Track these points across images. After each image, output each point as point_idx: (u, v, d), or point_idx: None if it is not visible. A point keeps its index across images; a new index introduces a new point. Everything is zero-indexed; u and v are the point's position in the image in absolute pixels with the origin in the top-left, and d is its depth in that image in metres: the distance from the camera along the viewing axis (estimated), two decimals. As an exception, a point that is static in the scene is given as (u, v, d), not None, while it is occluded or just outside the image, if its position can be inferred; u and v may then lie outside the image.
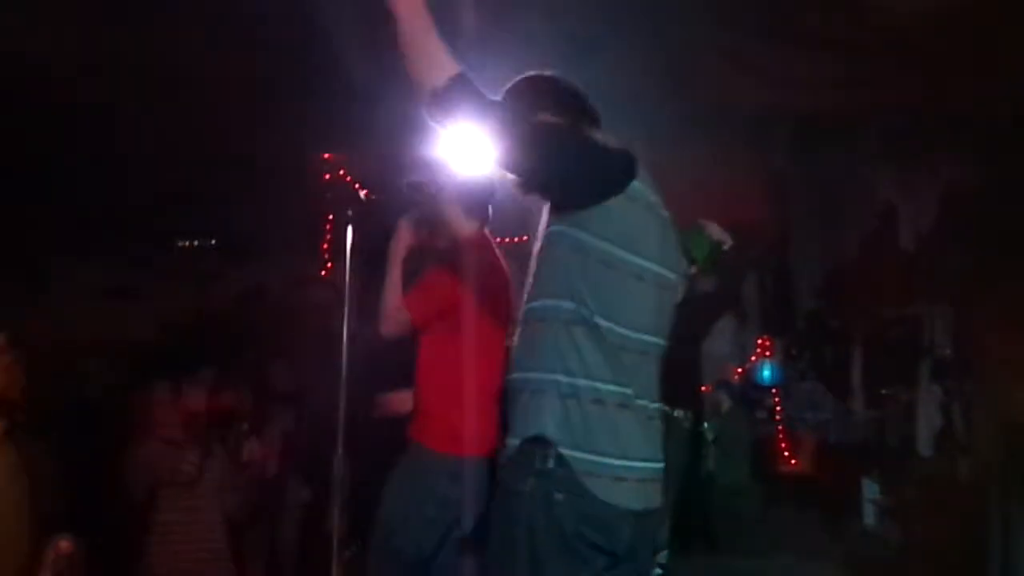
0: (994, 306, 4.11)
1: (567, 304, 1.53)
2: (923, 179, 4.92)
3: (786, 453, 5.58)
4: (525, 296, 1.61)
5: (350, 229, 2.74)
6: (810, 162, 5.01)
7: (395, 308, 2.46)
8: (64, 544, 1.88)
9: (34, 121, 3.95)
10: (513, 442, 1.54)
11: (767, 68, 4.16)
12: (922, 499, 4.29)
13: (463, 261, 2.48)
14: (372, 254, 2.81)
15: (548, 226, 1.60)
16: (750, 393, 5.50)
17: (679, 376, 4.02)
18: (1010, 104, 4.09)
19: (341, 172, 5.24)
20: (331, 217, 5.29)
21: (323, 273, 5.14)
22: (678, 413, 3.96)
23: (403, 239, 2.54)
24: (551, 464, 1.46)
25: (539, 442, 1.48)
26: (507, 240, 3.59)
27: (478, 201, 2.57)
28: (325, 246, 5.23)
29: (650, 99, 4.03)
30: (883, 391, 5.36)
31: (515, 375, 1.60)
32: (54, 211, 4.32)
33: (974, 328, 4.53)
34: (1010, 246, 4.16)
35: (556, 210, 1.58)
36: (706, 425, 4.42)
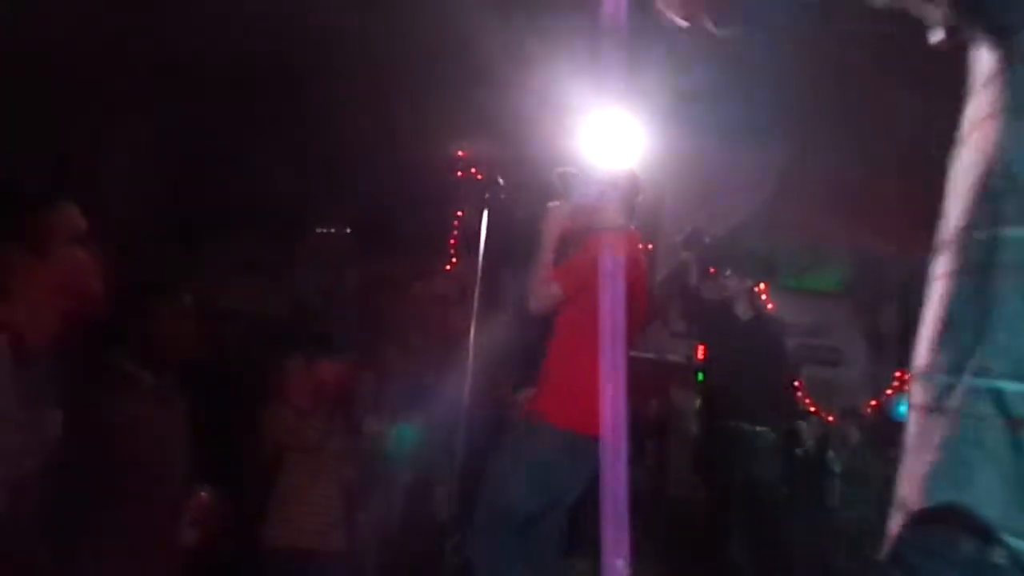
0: None
1: None
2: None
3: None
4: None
5: (485, 217, 2.84)
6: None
7: (544, 283, 2.58)
8: (204, 496, 2.01)
9: (201, 116, 4.29)
10: (913, 505, 0.80)
11: (932, 78, 3.87)
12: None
13: (608, 249, 2.58)
14: (498, 249, 2.88)
15: None
16: (883, 428, 5.13)
17: (755, 393, 3.87)
18: None
19: (473, 170, 5.36)
20: (460, 213, 5.42)
21: (447, 267, 5.26)
22: (760, 429, 3.79)
23: (555, 224, 2.67)
24: (996, 557, 0.72)
25: (963, 519, 0.75)
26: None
27: (628, 197, 2.71)
28: (453, 241, 5.36)
29: (815, 110, 3.88)
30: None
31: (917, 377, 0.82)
32: (215, 191, 4.67)
33: None
34: None
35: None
36: (831, 455, 4.16)
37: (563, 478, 2.50)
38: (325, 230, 5.72)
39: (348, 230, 5.66)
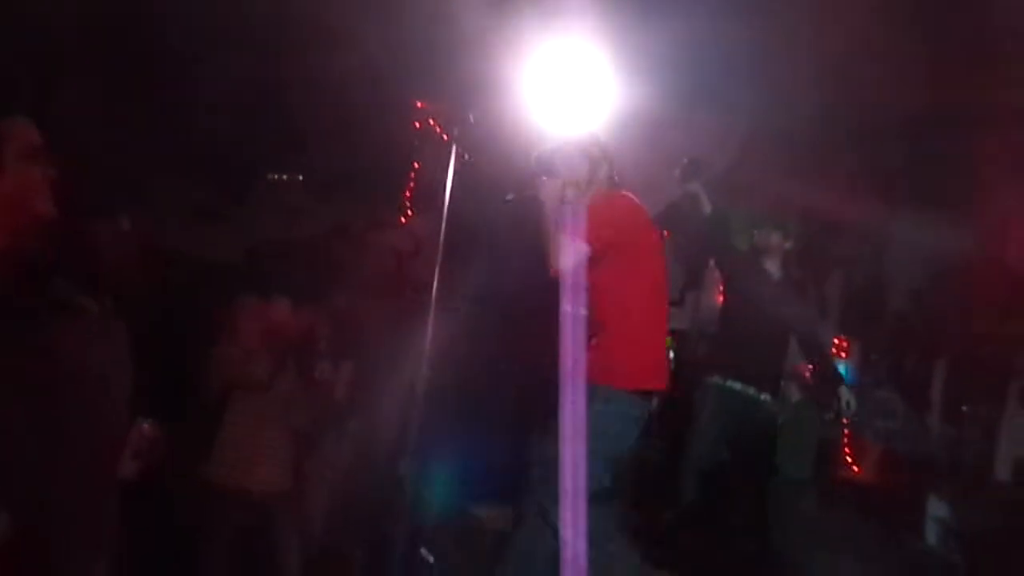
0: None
1: None
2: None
3: (849, 458, 5.39)
4: None
5: (452, 153, 2.82)
6: (924, 159, 4.73)
7: (568, 242, 2.61)
8: (147, 427, 1.99)
9: (151, 56, 4.11)
10: None
11: (886, 56, 3.93)
12: (995, 526, 4.08)
13: (616, 211, 2.71)
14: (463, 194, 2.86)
15: None
16: (821, 390, 5.31)
17: (767, 357, 3.88)
18: None
19: (432, 122, 5.27)
20: (417, 165, 5.34)
21: (402, 220, 5.19)
22: (764, 396, 3.84)
23: (554, 197, 2.71)
24: None
25: None
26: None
27: (606, 163, 2.82)
28: (408, 193, 5.28)
29: (763, 78, 3.90)
30: (964, 408, 5.09)
31: None
32: (162, 135, 4.50)
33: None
34: None
35: None
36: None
37: (622, 437, 2.61)
38: (277, 176, 5.58)
39: (300, 177, 5.53)
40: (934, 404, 5.40)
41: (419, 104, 5.33)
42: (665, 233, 4.67)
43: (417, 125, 5.30)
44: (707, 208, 3.94)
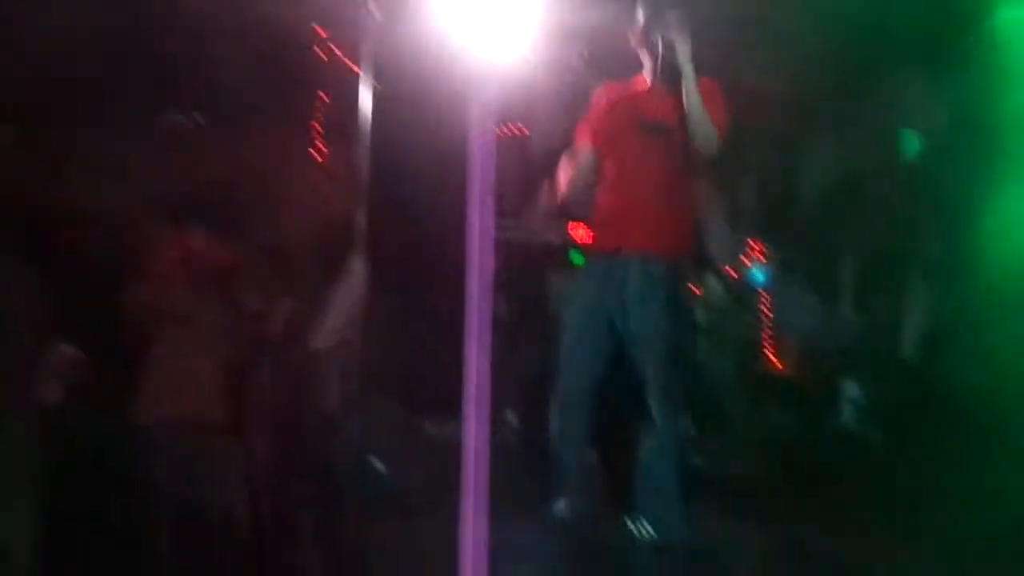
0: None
1: None
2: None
3: (770, 356, 5.67)
4: None
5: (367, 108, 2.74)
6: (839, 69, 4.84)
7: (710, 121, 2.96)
8: (64, 348, 1.90)
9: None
10: None
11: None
12: (902, 399, 4.40)
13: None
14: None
15: None
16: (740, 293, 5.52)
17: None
18: None
19: (335, 49, 5.07)
20: (323, 96, 5.15)
21: (311, 152, 5.04)
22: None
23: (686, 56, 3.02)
24: None
25: None
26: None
27: None
28: (316, 125, 5.11)
29: None
30: (872, 296, 5.41)
31: None
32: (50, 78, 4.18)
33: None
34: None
35: None
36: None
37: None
38: (170, 116, 5.28)
39: (196, 114, 5.25)
40: (845, 297, 5.72)
41: (321, 32, 5.12)
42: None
43: (321, 54, 5.11)
44: None
